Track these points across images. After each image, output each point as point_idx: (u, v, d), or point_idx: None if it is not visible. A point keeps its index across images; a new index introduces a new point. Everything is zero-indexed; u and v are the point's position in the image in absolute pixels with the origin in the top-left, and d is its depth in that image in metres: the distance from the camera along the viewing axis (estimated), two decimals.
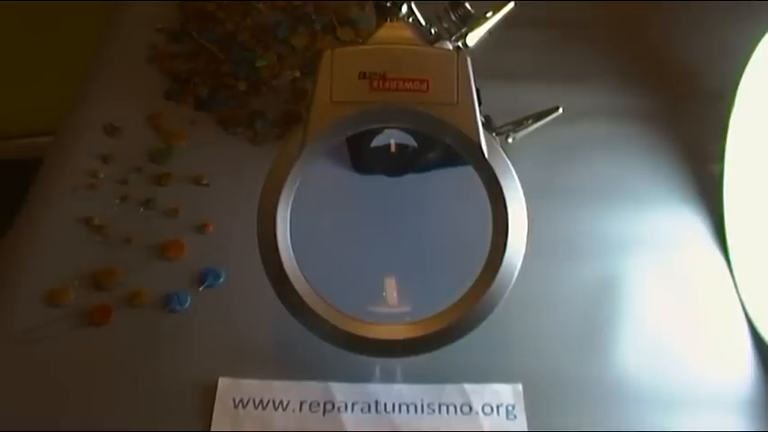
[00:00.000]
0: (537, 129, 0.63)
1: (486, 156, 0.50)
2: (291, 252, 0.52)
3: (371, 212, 0.57)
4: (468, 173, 0.52)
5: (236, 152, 0.74)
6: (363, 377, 0.56)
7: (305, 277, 0.52)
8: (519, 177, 0.52)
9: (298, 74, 0.79)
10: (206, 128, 0.76)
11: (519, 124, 0.62)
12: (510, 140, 0.61)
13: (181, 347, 0.59)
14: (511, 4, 0.60)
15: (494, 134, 0.60)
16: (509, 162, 0.51)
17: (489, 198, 0.51)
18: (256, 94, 0.78)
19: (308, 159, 0.52)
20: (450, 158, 0.53)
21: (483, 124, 0.51)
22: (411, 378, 0.56)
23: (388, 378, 0.56)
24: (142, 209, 0.68)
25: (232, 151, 0.74)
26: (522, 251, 0.51)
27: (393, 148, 0.55)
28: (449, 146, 0.51)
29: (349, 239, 0.56)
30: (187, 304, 0.61)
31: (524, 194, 0.52)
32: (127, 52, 0.83)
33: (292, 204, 0.52)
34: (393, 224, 0.56)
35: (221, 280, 0.63)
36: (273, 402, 0.55)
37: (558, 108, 0.61)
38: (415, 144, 0.55)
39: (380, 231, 0.56)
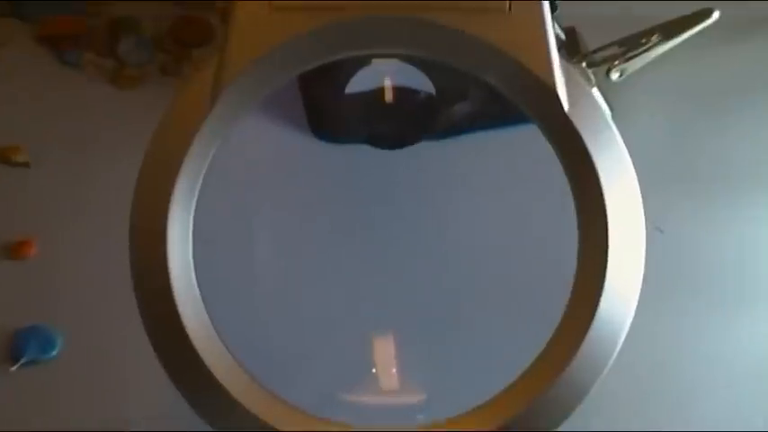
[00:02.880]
0: (668, 55, 0.51)
1: (567, 109, 0.39)
2: (198, 293, 0.39)
3: (349, 217, 0.44)
4: (528, 141, 0.41)
5: (80, 100, 0.60)
6: None
7: (224, 342, 0.39)
8: (632, 150, 0.40)
9: None
10: (20, 50, 0.62)
11: (633, 45, 0.50)
12: (615, 77, 0.48)
13: None
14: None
15: (584, 66, 0.47)
16: (612, 124, 0.39)
17: (572, 189, 0.39)
18: None
19: (226, 116, 0.39)
20: (496, 115, 0.43)
21: (561, 48, 0.41)
22: None
23: None
24: None
25: (72, 98, 0.60)
26: (636, 286, 0.39)
27: (388, 97, 0.43)
28: (493, 91, 0.40)
29: (308, 270, 0.44)
30: None
31: (641, 183, 0.40)
32: None
33: (199, 201, 0.39)
34: (389, 240, 0.44)
35: (55, 351, 0.54)
36: None
37: (711, 13, 0.50)
38: (430, 89, 0.43)
39: (366, 253, 0.44)
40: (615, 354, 0.40)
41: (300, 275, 0.43)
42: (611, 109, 0.41)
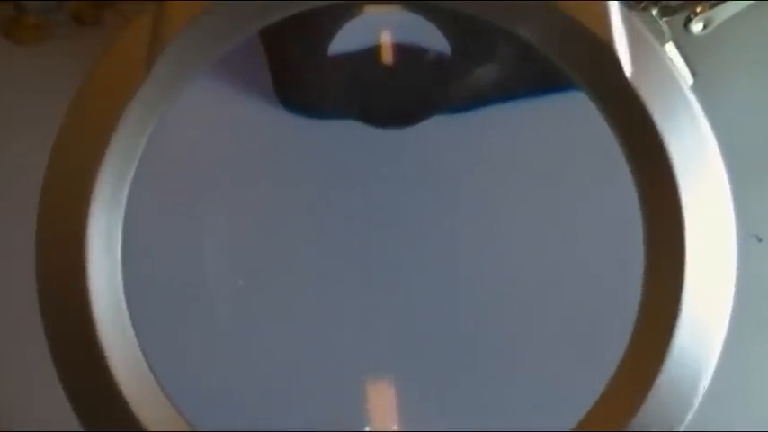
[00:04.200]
0: None
1: (629, 74, 0.33)
2: (128, 322, 0.32)
3: (334, 219, 0.37)
4: (576, 115, 0.35)
5: None
6: None
7: (162, 389, 0.33)
8: (720, 130, 0.34)
9: None
10: None
11: None
12: (697, 29, 0.42)
13: None
14: None
15: (654, 14, 0.42)
16: (691, 94, 0.33)
17: (636, 181, 0.34)
18: None
19: (167, 84, 0.33)
20: (532, 80, 0.37)
21: None
22: None
23: None
24: None
25: None
26: (725, 312, 0.34)
27: (386, 58, 0.37)
28: (529, 49, 0.34)
29: (279, 289, 0.37)
30: None
31: (731, 174, 0.34)
32: None
33: (131, 198, 0.33)
34: (389, 252, 0.37)
35: None
36: None
37: None
38: (443, 46, 0.37)
39: (357, 270, 0.37)
40: (694, 407, 0.33)
41: (268, 296, 0.36)
42: (693, 74, 0.35)
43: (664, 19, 0.41)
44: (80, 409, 0.33)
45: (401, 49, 0.37)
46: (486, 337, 0.37)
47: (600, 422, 0.33)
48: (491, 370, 0.36)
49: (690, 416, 0.33)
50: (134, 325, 0.32)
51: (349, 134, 0.37)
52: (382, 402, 0.35)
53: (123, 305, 0.32)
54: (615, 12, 0.33)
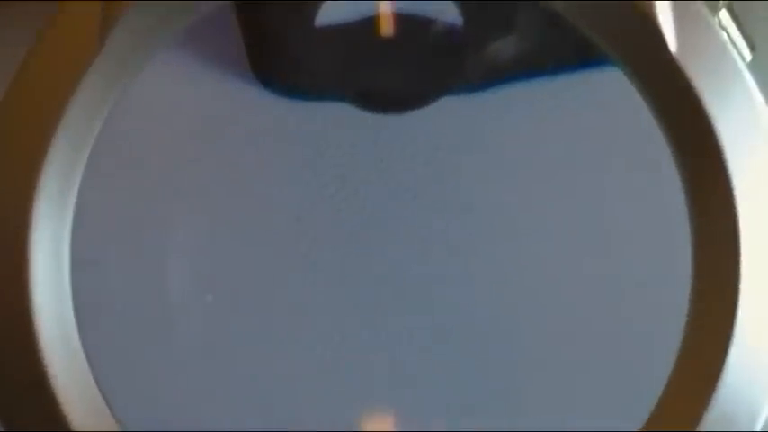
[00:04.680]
0: None
1: (674, 49, 0.30)
2: (78, 345, 0.29)
3: (325, 221, 0.33)
4: (611, 95, 0.32)
5: None
6: None
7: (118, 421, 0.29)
8: None
9: None
10: None
11: None
12: None
13: None
14: None
15: None
16: (748, 72, 0.30)
17: (681, 172, 0.30)
18: None
19: (123, 59, 0.29)
20: (559, 55, 0.33)
21: None
22: None
23: None
24: None
25: None
26: None
27: (385, 30, 0.33)
28: (554, 19, 0.31)
29: (258, 305, 0.33)
30: None
31: None
32: None
33: (82, 195, 0.29)
34: (390, 259, 0.32)
35: None
36: None
37: None
38: (454, 17, 0.33)
39: (353, 284, 0.33)
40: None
41: (248, 313, 0.31)
42: (751, 48, 0.31)
43: None
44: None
45: (402, 21, 0.32)
46: (501, 336, 0.33)
47: (667, 422, 0.31)
48: (509, 366, 0.33)
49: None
50: (83, 343, 0.29)
51: (340, 119, 0.32)
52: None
53: (72, 320, 0.29)
54: None
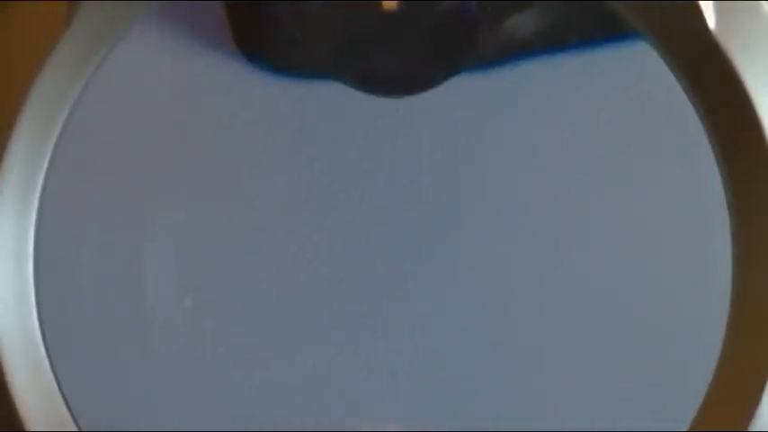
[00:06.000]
0: None
1: (713, 25, 0.28)
2: (45, 360, 0.27)
3: (322, 213, 0.30)
4: (643, 73, 0.30)
5: None
6: None
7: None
8: None
9: None
10: None
11: None
12: None
13: None
14: None
15: None
16: None
17: (719, 162, 0.28)
18: None
19: (93, 38, 0.27)
20: (586, 27, 0.31)
21: None
22: None
23: None
24: None
25: None
26: None
27: (388, 4, 0.30)
28: None
29: (244, 311, 0.31)
30: None
31: None
32: None
33: (48, 188, 0.27)
34: (399, 257, 0.30)
35: None
36: None
37: None
38: None
39: (354, 285, 0.30)
40: None
41: (232, 319, 0.29)
42: None
43: None
44: None
45: None
46: (515, 334, 0.32)
47: (716, 422, 0.28)
48: (532, 368, 0.31)
49: None
50: (49, 355, 0.27)
51: (336, 99, 0.30)
52: None
53: (38, 329, 0.26)
54: None
